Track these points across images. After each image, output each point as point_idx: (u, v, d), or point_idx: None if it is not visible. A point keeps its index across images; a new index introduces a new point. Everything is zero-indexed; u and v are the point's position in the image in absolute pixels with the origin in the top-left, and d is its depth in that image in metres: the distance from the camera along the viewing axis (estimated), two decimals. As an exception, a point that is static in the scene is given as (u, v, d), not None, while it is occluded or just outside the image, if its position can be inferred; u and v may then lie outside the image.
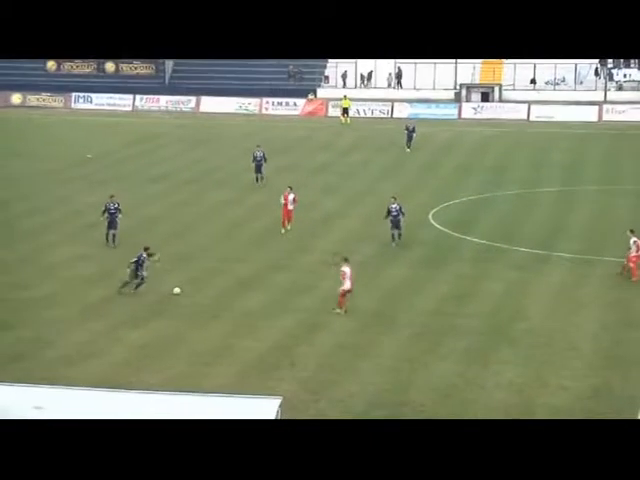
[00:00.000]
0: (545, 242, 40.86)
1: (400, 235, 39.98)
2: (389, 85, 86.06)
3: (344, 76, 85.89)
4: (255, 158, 52.19)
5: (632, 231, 35.97)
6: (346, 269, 32.27)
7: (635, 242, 35.38)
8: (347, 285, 32.14)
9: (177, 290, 33.95)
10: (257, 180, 52.02)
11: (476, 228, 43.32)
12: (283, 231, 42.10)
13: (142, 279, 34.08)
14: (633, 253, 35.35)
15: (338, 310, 32.00)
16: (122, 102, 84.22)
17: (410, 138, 62.26)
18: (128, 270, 34.06)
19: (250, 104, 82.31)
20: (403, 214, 39.98)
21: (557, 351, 28.86)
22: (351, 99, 78.31)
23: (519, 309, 32.73)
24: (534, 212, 46.94)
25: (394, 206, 39.89)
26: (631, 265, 35.40)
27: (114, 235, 40.01)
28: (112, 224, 39.92)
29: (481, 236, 41.92)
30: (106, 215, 40.12)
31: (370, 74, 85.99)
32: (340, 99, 79.07)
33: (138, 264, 34.05)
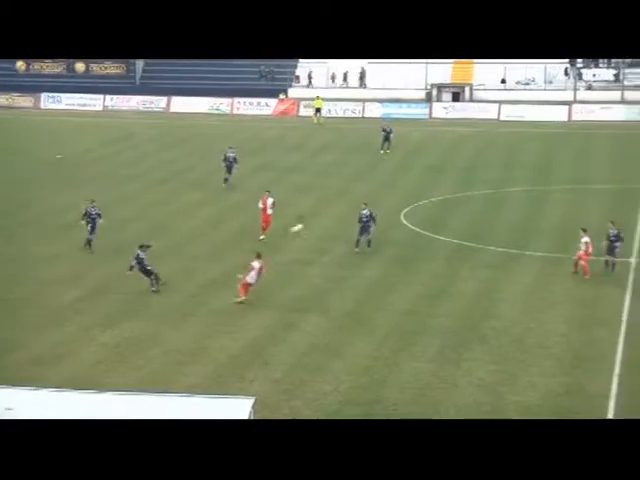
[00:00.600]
0: (516, 241, 41.13)
1: (370, 242, 39.57)
2: (360, 85, 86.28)
3: (310, 76, 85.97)
4: (227, 159, 51.99)
5: (584, 230, 36.45)
6: (255, 264, 33.04)
7: (586, 242, 35.93)
8: (250, 278, 32.83)
9: (298, 227, 34.06)
10: (225, 181, 51.66)
11: (448, 228, 43.53)
12: (262, 237, 41.02)
13: (153, 274, 34.28)
14: (582, 251, 35.88)
15: (237, 299, 32.83)
16: (92, 102, 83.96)
17: (387, 139, 62.26)
18: (132, 272, 34.20)
19: (222, 104, 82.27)
20: (374, 220, 39.65)
21: (528, 349, 29.09)
22: (323, 99, 78.42)
23: (491, 308, 32.95)
24: (505, 211, 47.22)
25: (364, 212, 39.64)
26: (582, 263, 35.90)
27: (90, 240, 39.69)
28: (93, 229, 39.61)
29: (453, 236, 42.13)
30: (87, 220, 39.67)
31: (346, 74, 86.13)
32: (312, 99, 79.15)
33: (139, 262, 34.19)
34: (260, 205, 41.84)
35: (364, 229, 39.45)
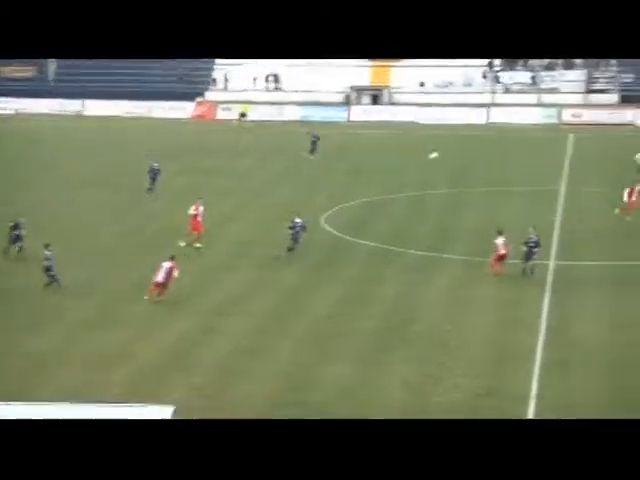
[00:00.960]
0: (437, 244, 41.80)
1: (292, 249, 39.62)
2: (276, 88, 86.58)
3: (226, 78, 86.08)
4: (152, 170, 51.61)
5: (499, 232, 37.28)
6: (166, 264, 33.88)
7: (500, 244, 36.78)
8: (160, 277, 33.70)
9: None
10: (149, 191, 51.48)
11: (369, 231, 44.06)
12: (199, 245, 40.74)
13: (53, 277, 34.92)
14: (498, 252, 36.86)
15: (147, 297, 33.77)
16: (4, 105, 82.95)
17: (314, 145, 62.51)
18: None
19: (138, 107, 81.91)
20: (305, 229, 40.00)
21: (450, 351, 29.66)
22: (243, 102, 78.70)
23: (413, 311, 33.50)
24: (426, 214, 47.93)
25: (298, 221, 39.96)
26: (491, 263, 36.88)
27: (8, 249, 39.59)
28: (18, 238, 39.46)
29: (374, 239, 42.66)
30: (15, 232, 39.47)
31: (276, 77, 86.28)
32: (229, 102, 79.44)
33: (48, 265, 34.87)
34: (191, 211, 41.56)
35: (295, 238, 39.57)
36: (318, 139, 62.71)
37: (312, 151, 62.30)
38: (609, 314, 32.94)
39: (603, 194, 51.36)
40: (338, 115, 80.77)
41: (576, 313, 33.04)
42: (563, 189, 52.54)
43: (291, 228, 39.61)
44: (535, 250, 36.85)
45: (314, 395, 26.25)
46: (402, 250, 41.02)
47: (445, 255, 40.22)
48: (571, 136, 70.59)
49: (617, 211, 45.67)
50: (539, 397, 26.01)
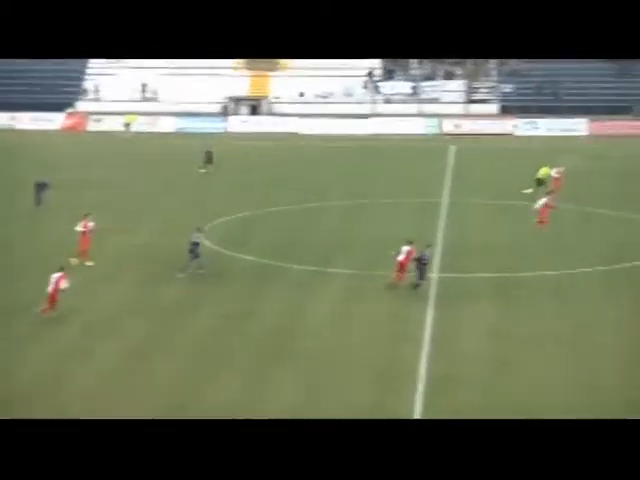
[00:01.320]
0: (323, 258, 42.13)
1: (201, 266, 39.49)
2: (151, 98, 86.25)
3: (97, 89, 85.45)
4: (40, 184, 50.97)
5: (409, 242, 37.83)
6: (55, 275, 33.84)
7: (399, 251, 37.40)
8: (50, 288, 33.70)
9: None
10: (38, 203, 50.85)
11: (251, 246, 44.20)
12: (90, 263, 40.32)
13: None
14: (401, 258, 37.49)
15: (38, 310, 33.69)
16: None
17: (209, 157, 62.34)
18: None
19: (4, 118, 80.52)
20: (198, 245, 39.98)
21: (334, 367, 30.03)
22: (116, 113, 78.20)
23: (297, 326, 33.79)
24: (310, 228, 48.29)
25: (197, 235, 39.86)
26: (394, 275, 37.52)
27: None
28: None
29: (257, 254, 42.79)
30: None
31: (146, 86, 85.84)
32: (101, 113, 78.98)
33: None
34: (79, 228, 40.96)
35: (195, 254, 39.31)
36: (210, 152, 62.58)
37: (206, 163, 62.18)
38: (492, 326, 33.78)
39: (485, 205, 52.59)
40: (216, 126, 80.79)
41: (460, 326, 33.78)
42: (446, 200, 53.60)
43: (192, 244, 39.32)
44: (426, 267, 37.21)
45: (197, 413, 26.30)
46: (286, 265, 41.29)
47: (330, 269, 40.64)
48: (452, 147, 72.05)
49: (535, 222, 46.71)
50: (423, 413, 26.53)
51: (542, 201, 47.52)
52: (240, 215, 50.33)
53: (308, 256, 42.63)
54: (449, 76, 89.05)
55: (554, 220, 46.94)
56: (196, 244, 39.52)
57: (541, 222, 46.79)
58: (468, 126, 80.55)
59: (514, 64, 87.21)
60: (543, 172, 54.63)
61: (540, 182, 53.61)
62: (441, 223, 48.49)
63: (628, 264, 41.06)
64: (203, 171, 61.64)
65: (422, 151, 71.23)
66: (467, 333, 33.08)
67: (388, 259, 38.54)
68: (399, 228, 46.27)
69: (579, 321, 34.27)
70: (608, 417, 20.80)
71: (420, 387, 28.35)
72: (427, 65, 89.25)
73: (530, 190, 53.27)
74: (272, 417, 26.00)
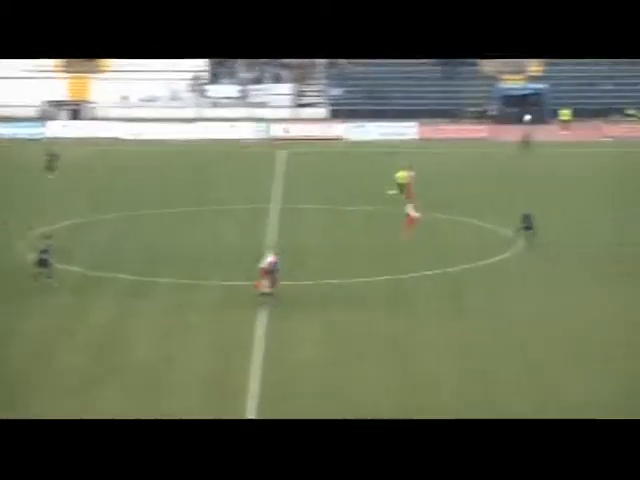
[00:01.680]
0: (149, 268, 41.75)
1: (50, 275, 38.61)
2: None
3: None
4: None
5: (272, 250, 37.79)
6: None
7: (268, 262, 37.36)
8: None
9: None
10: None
11: (74, 256, 43.43)
12: None
13: None
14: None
15: None
16: None
17: (51, 162, 60.97)
18: None
19: None
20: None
21: (163, 381, 29.81)
22: None
23: (122, 340, 33.38)
24: (136, 237, 47.80)
25: (48, 242, 39.04)
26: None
27: None
28: None
29: (79, 264, 42.12)
30: None
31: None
32: None
33: None
34: None
35: (43, 262, 38.45)
36: (56, 156, 61.33)
37: (50, 169, 60.90)
38: (324, 334, 34.16)
39: (318, 210, 53.10)
40: (34, 132, 79.14)
41: (292, 335, 34.01)
42: (278, 207, 53.86)
43: (41, 252, 38.54)
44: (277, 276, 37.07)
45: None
46: (111, 275, 40.78)
47: (158, 279, 40.32)
48: (283, 151, 72.50)
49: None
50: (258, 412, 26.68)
51: (409, 208, 47.81)
52: (63, 224, 49.37)
53: (135, 266, 42.17)
54: (277, 79, 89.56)
55: (384, 224, 47.64)
56: (45, 251, 38.65)
57: (407, 231, 46.83)
58: (297, 130, 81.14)
59: (343, 67, 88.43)
60: (400, 176, 54.63)
61: (400, 186, 53.70)
62: (271, 230, 48.66)
63: (458, 268, 42.07)
64: (49, 177, 60.53)
65: (251, 156, 71.45)
66: (299, 341, 33.32)
67: (218, 267, 38.49)
68: (227, 236, 46.26)
69: (408, 324, 35.02)
70: (438, 418, 21.19)
71: (253, 403, 28.36)
72: (255, 68, 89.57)
73: (394, 191, 53.96)
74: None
